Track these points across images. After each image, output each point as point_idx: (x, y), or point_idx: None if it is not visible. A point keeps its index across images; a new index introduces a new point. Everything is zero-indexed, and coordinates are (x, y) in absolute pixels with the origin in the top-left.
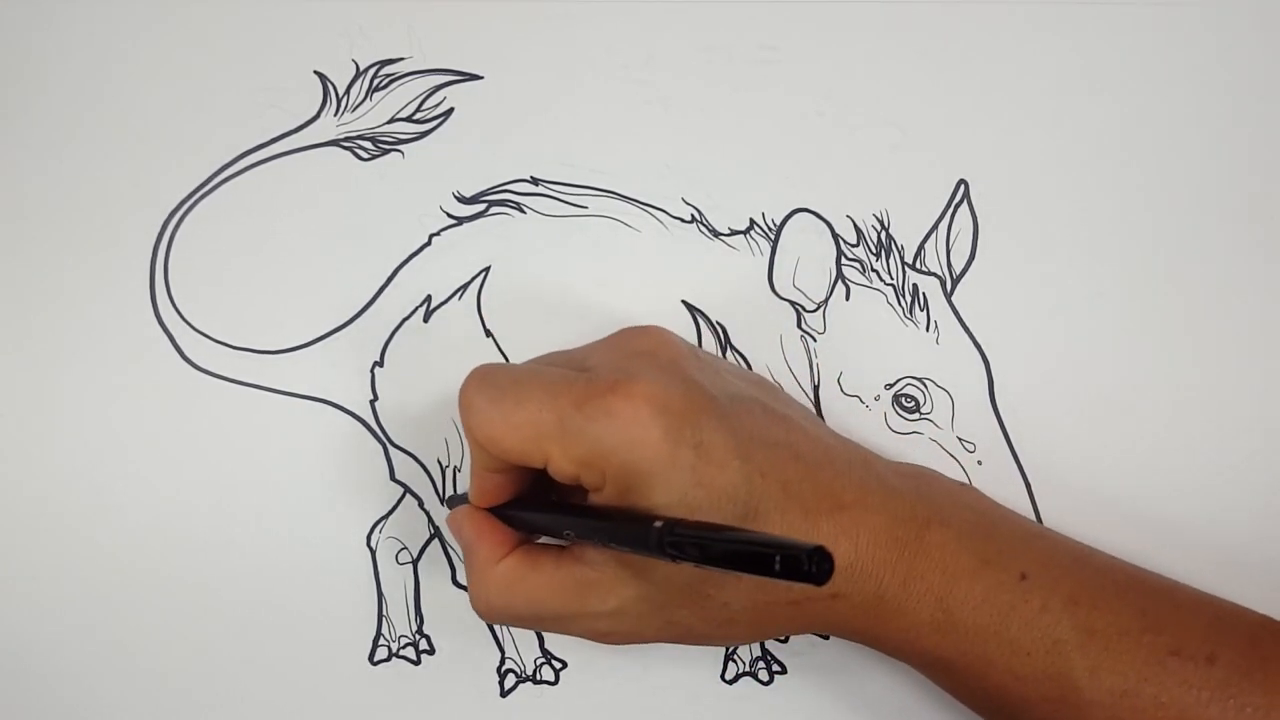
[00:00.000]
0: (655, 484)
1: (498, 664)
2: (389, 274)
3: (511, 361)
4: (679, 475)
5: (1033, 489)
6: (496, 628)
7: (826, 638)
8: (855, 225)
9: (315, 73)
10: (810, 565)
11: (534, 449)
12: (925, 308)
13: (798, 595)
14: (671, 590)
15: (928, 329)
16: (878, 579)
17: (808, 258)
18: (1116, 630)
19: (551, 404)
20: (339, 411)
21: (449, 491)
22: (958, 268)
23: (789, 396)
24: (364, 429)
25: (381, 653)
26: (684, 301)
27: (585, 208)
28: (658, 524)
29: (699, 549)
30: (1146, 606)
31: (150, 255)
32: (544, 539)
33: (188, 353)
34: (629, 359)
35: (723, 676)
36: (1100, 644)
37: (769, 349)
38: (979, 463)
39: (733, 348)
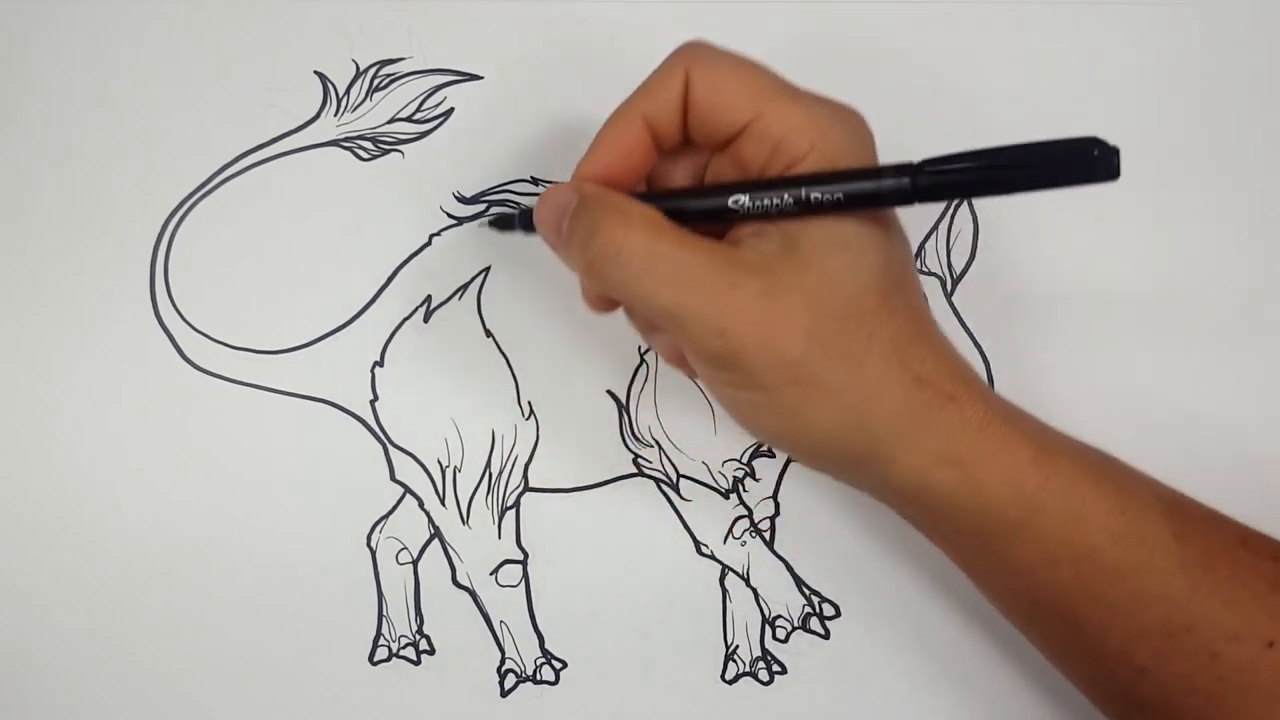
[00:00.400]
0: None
1: (498, 664)
2: (389, 274)
3: (511, 362)
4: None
5: None
6: (496, 627)
7: (826, 636)
8: None
9: (315, 73)
10: (1097, 152)
11: (750, 102)
12: None
13: (927, 373)
14: (830, 290)
15: None
16: (987, 403)
17: None
18: (1194, 510)
19: (777, 77)
20: (339, 411)
21: (449, 492)
22: (958, 268)
23: None
24: (364, 429)
25: (381, 653)
26: None
27: None
28: (897, 165)
29: (968, 171)
30: (1207, 505)
31: (150, 255)
32: None
33: (188, 353)
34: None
35: (723, 676)
36: (1183, 514)
37: None
38: None
39: None
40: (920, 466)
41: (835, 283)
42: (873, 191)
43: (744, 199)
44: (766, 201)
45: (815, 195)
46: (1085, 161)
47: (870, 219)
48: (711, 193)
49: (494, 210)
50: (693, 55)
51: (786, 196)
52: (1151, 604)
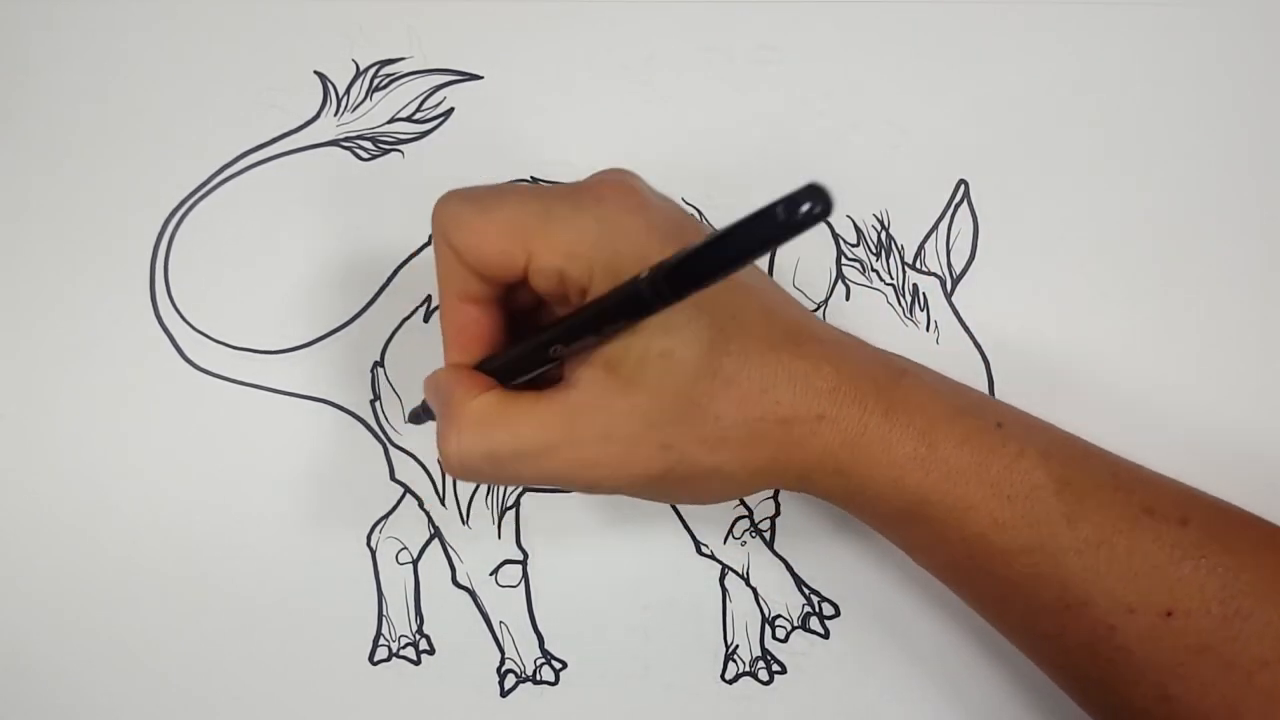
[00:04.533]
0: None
1: (498, 664)
2: (389, 274)
3: None
4: (670, 252)
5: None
6: (496, 627)
7: (826, 636)
8: (855, 225)
9: (315, 73)
10: (809, 200)
11: (517, 246)
12: (925, 308)
13: (785, 411)
14: (663, 400)
15: (928, 329)
16: (861, 404)
17: (808, 258)
18: (1091, 484)
19: (536, 199)
20: (339, 411)
21: (449, 492)
22: (958, 268)
23: None
24: (364, 429)
25: (381, 653)
26: None
27: None
28: (642, 273)
29: (696, 263)
30: (1117, 470)
31: (150, 255)
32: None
33: (188, 353)
34: (610, 173)
35: (723, 676)
36: (1075, 494)
37: None
38: None
39: None
40: (808, 480)
41: (663, 392)
42: (637, 310)
43: (559, 347)
44: (577, 344)
45: (607, 328)
46: (796, 203)
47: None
48: (535, 346)
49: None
50: (445, 225)
51: (591, 336)
52: (1044, 583)
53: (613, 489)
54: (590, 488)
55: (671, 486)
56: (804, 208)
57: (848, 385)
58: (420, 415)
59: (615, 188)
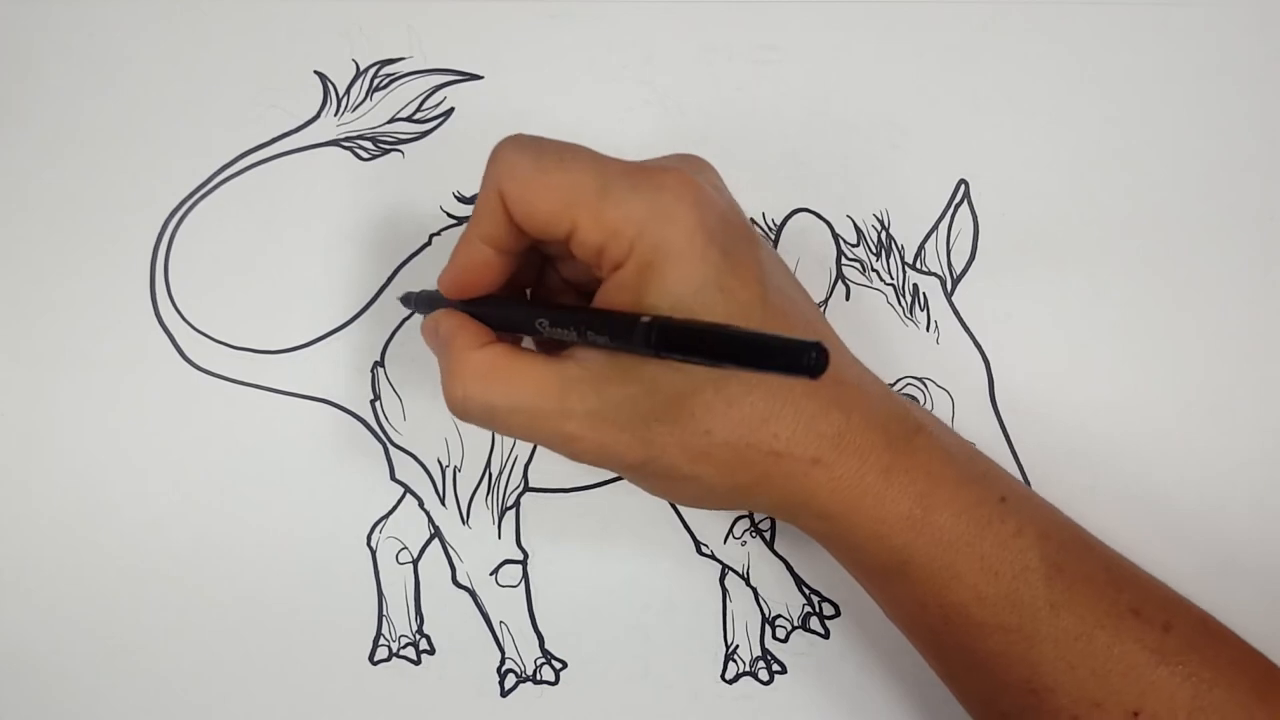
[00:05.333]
0: (679, 269)
1: (498, 664)
2: (389, 274)
3: None
4: (704, 269)
5: (1033, 489)
6: (496, 627)
7: (826, 636)
8: (855, 225)
9: (315, 73)
10: (809, 357)
11: (565, 212)
12: (925, 308)
13: (781, 446)
14: (657, 398)
15: (928, 329)
16: (862, 457)
17: (808, 258)
18: (1083, 575)
19: (597, 168)
20: (339, 411)
21: (449, 492)
22: (958, 268)
23: None
24: (364, 429)
25: (381, 653)
26: None
27: None
28: (645, 318)
29: (687, 341)
30: (1111, 564)
31: (150, 255)
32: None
33: (188, 353)
34: (680, 161)
35: (723, 676)
36: (1066, 581)
37: None
38: None
39: None
40: (789, 513)
41: (659, 390)
42: (627, 344)
43: (545, 323)
44: (560, 331)
45: (592, 337)
46: (798, 359)
47: None
48: (526, 313)
49: (407, 293)
50: (501, 172)
51: (572, 330)
52: (1015, 662)
53: (592, 463)
54: (571, 457)
55: (648, 478)
56: (805, 357)
57: (854, 435)
58: (411, 302)
59: (678, 176)
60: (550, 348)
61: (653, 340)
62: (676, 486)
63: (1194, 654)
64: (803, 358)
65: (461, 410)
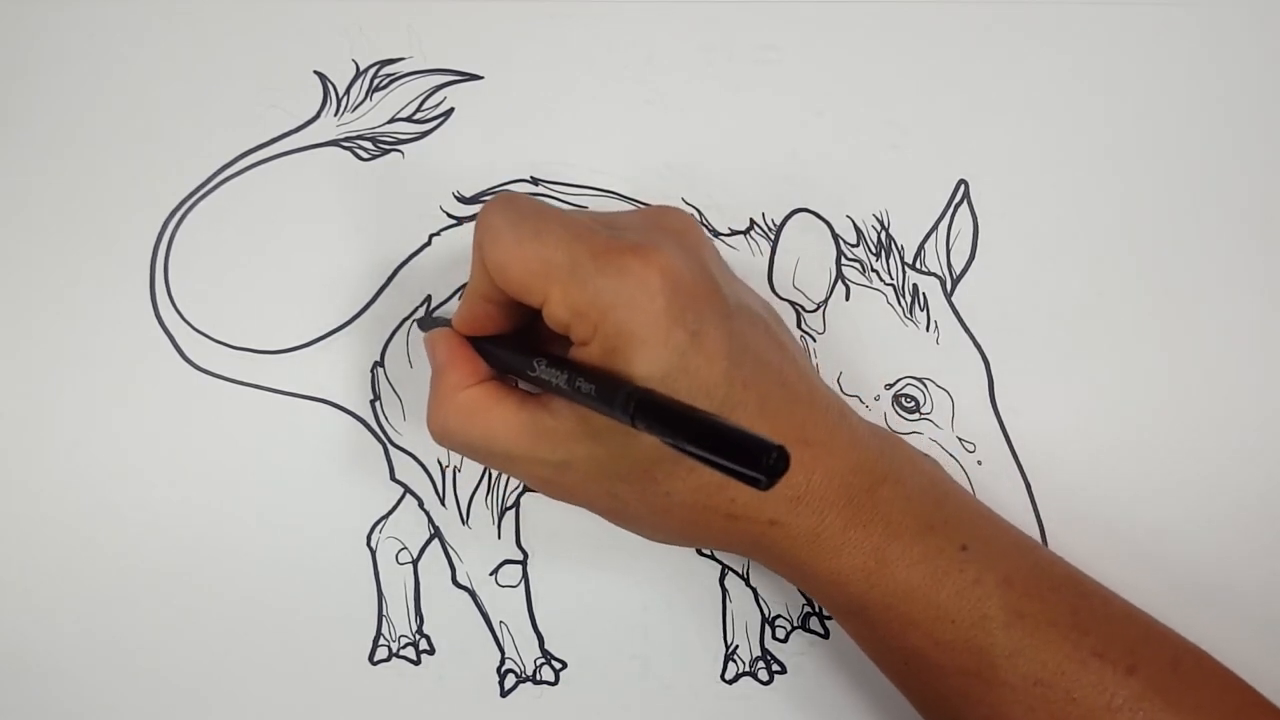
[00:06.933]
0: (642, 354)
1: (498, 664)
2: (389, 274)
3: None
4: (668, 353)
5: (1032, 489)
6: (496, 627)
7: (826, 636)
8: (855, 225)
9: (315, 73)
10: (767, 460)
11: (537, 285)
12: (925, 308)
13: (738, 510)
14: (623, 461)
15: (928, 329)
16: (820, 515)
17: (808, 258)
18: (1045, 619)
19: (568, 245)
20: (339, 411)
21: (449, 492)
22: (958, 268)
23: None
24: (364, 429)
25: (381, 653)
26: None
27: (585, 208)
28: (629, 388)
29: (663, 418)
30: (1079, 605)
31: (150, 255)
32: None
33: (188, 353)
34: (655, 231)
35: (723, 676)
36: (1026, 628)
37: None
38: (979, 463)
39: None
40: (753, 555)
41: (623, 457)
42: (609, 405)
43: (541, 363)
44: (552, 372)
45: (581, 385)
46: (756, 455)
47: None
48: (525, 362)
49: (422, 315)
50: (484, 238)
51: (562, 384)
52: (975, 703)
53: (562, 501)
54: (545, 495)
55: (614, 521)
56: (766, 458)
57: (812, 495)
58: (427, 327)
59: (645, 259)
60: (540, 386)
61: (630, 409)
62: (643, 530)
63: (1157, 697)
64: (761, 458)
65: (440, 440)
